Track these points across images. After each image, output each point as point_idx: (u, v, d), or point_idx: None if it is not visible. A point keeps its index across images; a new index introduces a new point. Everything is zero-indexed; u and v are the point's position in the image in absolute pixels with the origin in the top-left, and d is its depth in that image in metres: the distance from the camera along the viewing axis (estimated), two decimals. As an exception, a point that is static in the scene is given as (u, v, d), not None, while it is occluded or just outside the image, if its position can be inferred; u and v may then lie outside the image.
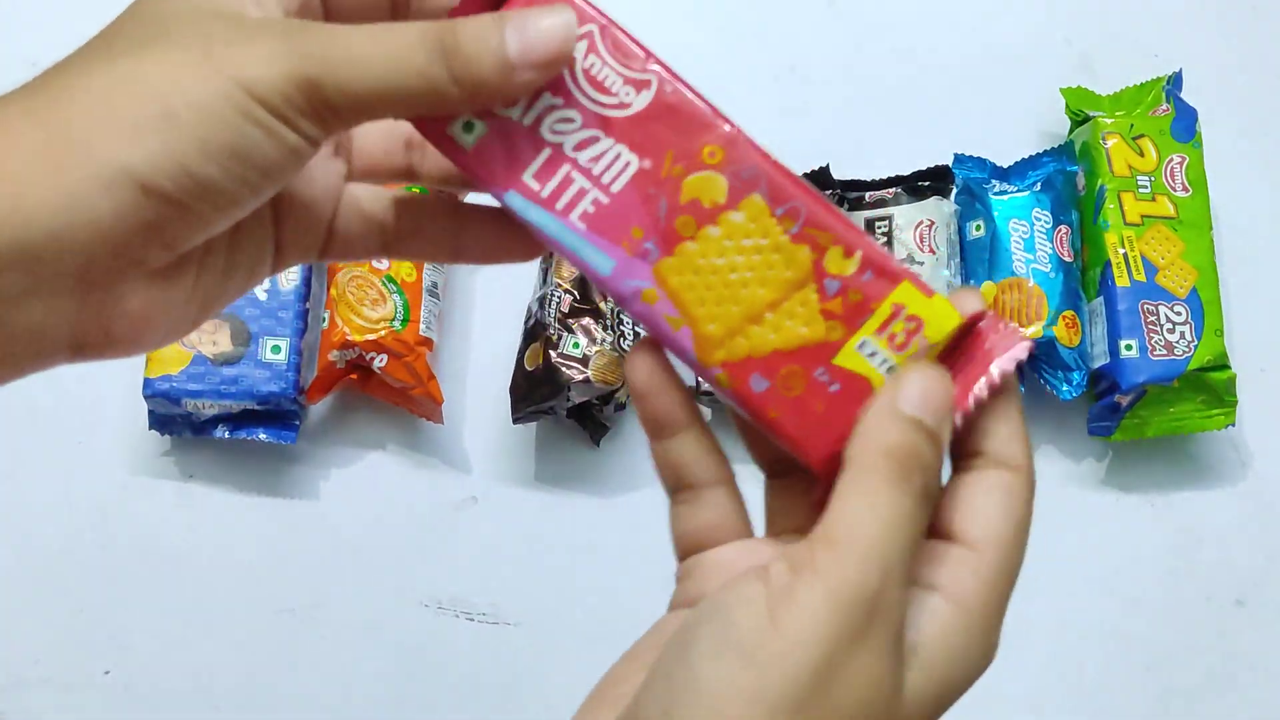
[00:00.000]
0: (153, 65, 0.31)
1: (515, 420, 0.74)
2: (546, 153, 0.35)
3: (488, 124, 0.35)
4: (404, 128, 0.39)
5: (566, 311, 0.74)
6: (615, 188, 0.35)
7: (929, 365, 0.34)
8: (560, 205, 0.35)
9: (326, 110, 0.32)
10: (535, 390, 0.73)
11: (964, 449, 0.36)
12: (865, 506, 0.31)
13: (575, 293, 0.74)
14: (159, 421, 0.74)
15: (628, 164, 0.35)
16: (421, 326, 0.74)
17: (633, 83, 0.36)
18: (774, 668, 0.30)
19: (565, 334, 0.73)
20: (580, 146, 0.35)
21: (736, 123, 0.36)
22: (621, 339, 0.73)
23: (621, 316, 0.74)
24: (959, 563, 0.34)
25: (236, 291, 0.37)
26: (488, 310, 0.81)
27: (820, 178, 0.78)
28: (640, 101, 0.36)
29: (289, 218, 0.38)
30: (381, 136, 0.40)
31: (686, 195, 0.35)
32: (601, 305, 0.74)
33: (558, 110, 0.35)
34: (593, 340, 0.73)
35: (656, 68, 0.36)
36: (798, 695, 0.30)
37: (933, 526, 0.34)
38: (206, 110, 0.30)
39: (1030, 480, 0.35)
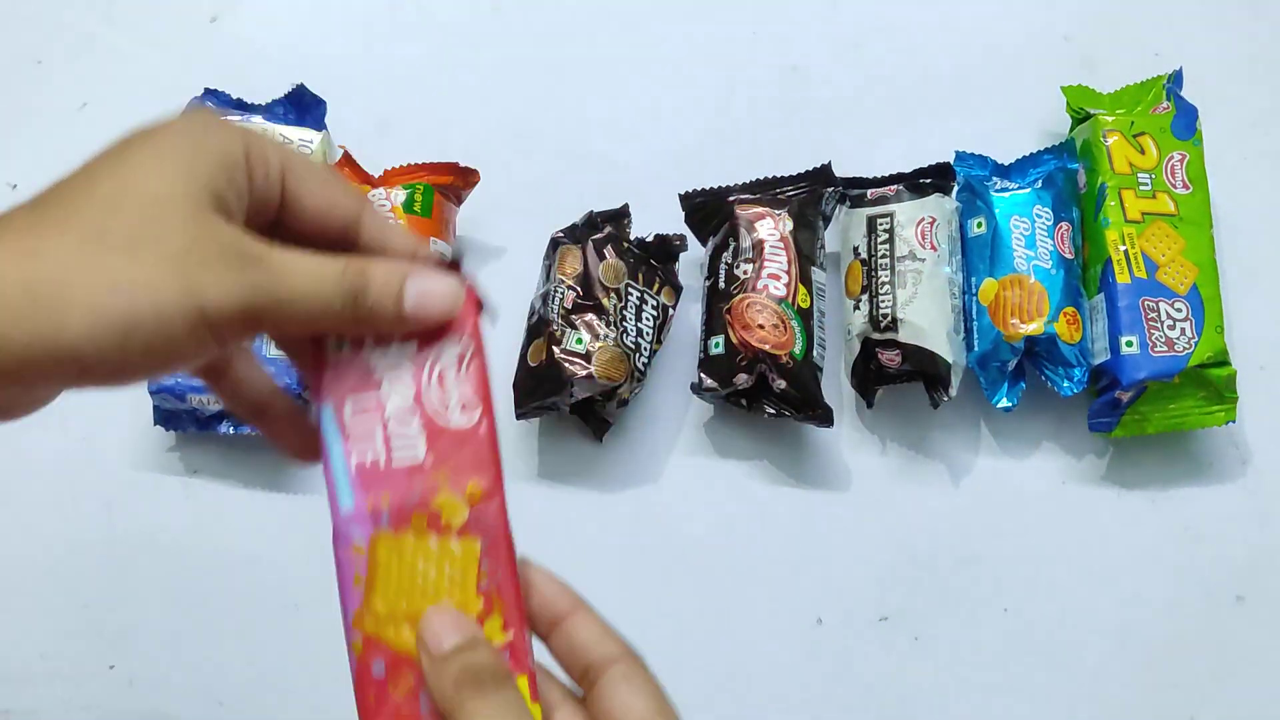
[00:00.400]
0: (139, 270, 0.38)
1: (518, 416, 0.75)
2: (373, 401, 0.42)
3: (354, 351, 0.43)
4: None
5: (570, 308, 0.74)
6: (395, 462, 0.42)
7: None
8: (351, 442, 0.42)
9: (257, 329, 0.40)
10: (538, 386, 0.73)
11: (576, 673, 0.45)
12: None
13: (579, 289, 0.74)
14: (164, 417, 0.74)
15: (416, 452, 0.42)
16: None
17: (464, 404, 0.42)
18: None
19: (568, 330, 0.73)
20: (397, 416, 0.42)
21: (505, 487, 0.43)
22: (624, 335, 0.74)
23: (625, 313, 0.74)
24: None
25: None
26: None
27: (823, 175, 0.78)
28: (457, 420, 0.42)
29: None
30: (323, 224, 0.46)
31: (436, 503, 0.42)
32: (605, 301, 0.74)
33: (400, 372, 0.42)
34: (596, 336, 0.73)
35: (483, 415, 0.42)
36: None
37: None
38: (162, 320, 0.38)
39: (637, 658, 0.45)
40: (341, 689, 0.73)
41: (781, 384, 0.72)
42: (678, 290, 0.78)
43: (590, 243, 0.76)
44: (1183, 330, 0.75)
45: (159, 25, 0.85)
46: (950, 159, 0.79)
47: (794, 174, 0.76)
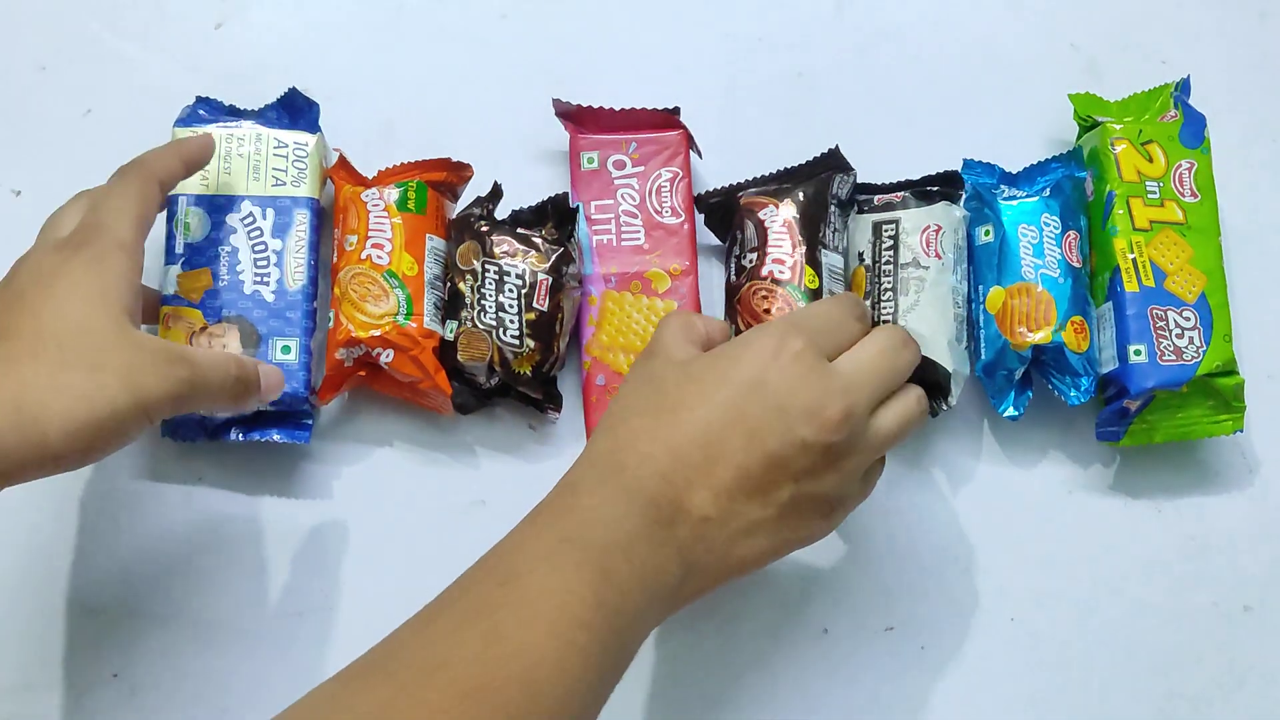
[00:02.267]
0: (98, 387, 0.56)
1: (463, 412, 0.78)
2: (610, 202, 0.77)
3: (600, 167, 0.79)
4: None
5: (447, 301, 0.77)
6: (623, 243, 0.76)
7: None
8: (594, 227, 0.76)
9: (179, 409, 0.61)
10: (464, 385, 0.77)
11: None
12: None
13: (444, 282, 0.77)
14: (172, 429, 0.74)
15: (639, 239, 0.75)
16: (426, 319, 0.74)
17: (673, 210, 0.77)
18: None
19: (444, 323, 0.76)
20: (627, 213, 0.71)
21: (698, 270, 0.76)
22: (483, 314, 0.74)
23: (482, 291, 0.74)
24: None
25: None
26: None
27: (831, 160, 0.77)
28: (668, 220, 0.76)
29: None
30: None
31: (648, 274, 0.74)
32: (460, 285, 0.75)
33: (631, 185, 0.74)
34: (460, 322, 0.75)
35: (687, 219, 0.78)
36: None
37: None
38: (119, 419, 0.56)
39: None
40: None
41: None
42: (559, 249, 0.75)
43: (452, 233, 0.77)
44: (1191, 339, 0.75)
45: (164, 31, 0.85)
46: (958, 166, 0.79)
47: (804, 162, 0.76)
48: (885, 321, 0.74)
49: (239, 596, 0.75)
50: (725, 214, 0.77)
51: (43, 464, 0.53)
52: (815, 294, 0.72)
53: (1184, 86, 0.81)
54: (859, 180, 0.79)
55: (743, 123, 0.85)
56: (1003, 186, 0.80)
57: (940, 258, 0.75)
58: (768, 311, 0.72)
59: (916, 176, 0.78)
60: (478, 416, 0.78)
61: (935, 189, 0.77)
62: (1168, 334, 0.75)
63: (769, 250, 0.74)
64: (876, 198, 0.78)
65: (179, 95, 0.79)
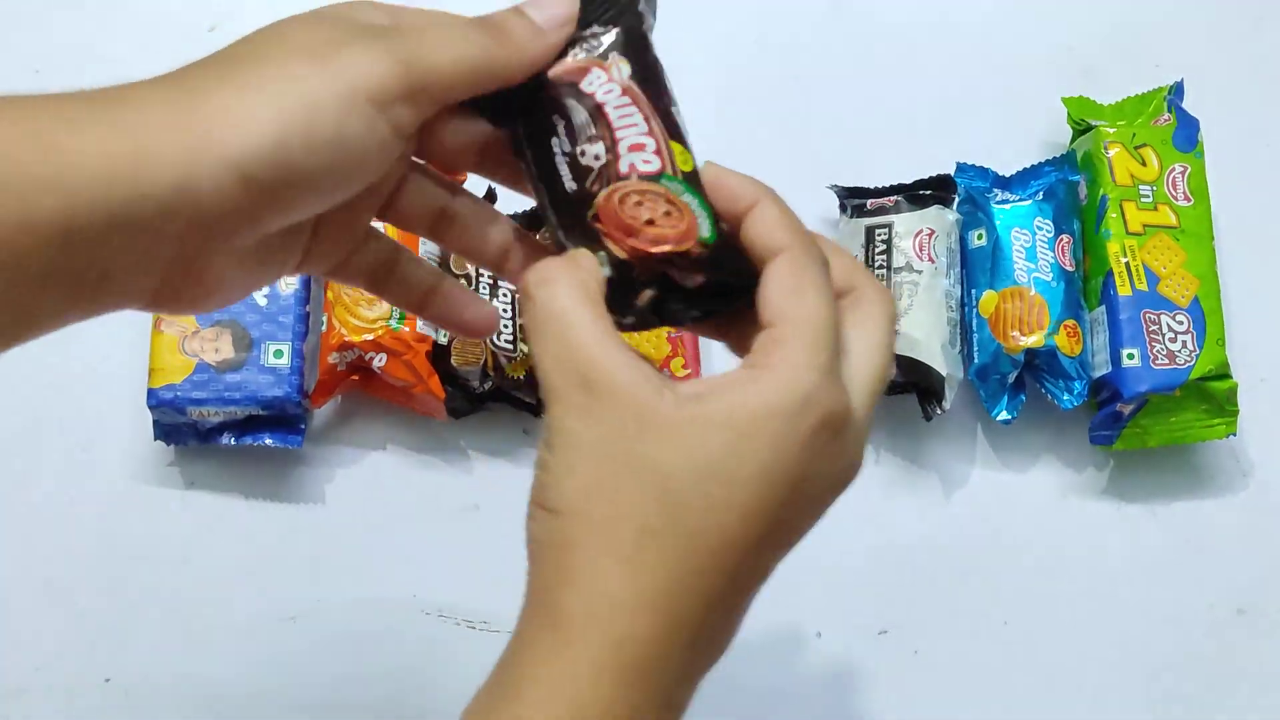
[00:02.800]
0: (273, 69, 0.37)
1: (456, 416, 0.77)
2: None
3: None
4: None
5: None
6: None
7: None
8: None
9: (420, 91, 0.39)
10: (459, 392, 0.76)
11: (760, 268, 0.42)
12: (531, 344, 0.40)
13: None
14: (164, 432, 0.74)
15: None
16: (419, 323, 0.74)
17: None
18: (551, 466, 0.40)
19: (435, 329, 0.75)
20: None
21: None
22: None
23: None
24: (762, 341, 0.40)
25: (271, 277, 0.43)
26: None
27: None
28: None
29: (326, 223, 0.44)
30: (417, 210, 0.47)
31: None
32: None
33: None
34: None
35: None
36: (568, 463, 0.39)
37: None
38: (316, 107, 0.36)
39: (804, 249, 0.41)
40: (338, 702, 0.73)
41: (698, 279, 0.46)
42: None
43: None
44: (1184, 343, 0.75)
45: (158, 35, 0.85)
46: (951, 170, 0.79)
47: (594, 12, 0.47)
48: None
49: (231, 600, 0.75)
50: (503, 102, 0.45)
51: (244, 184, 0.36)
52: (693, 179, 0.46)
53: (1178, 90, 0.81)
54: (853, 185, 0.79)
55: (738, 125, 0.85)
56: (996, 190, 0.80)
57: (933, 261, 0.75)
58: (650, 222, 0.45)
59: (910, 180, 0.78)
60: (471, 420, 0.78)
61: (928, 193, 0.77)
62: (1161, 338, 0.75)
63: (619, 134, 0.46)
64: (869, 202, 0.78)
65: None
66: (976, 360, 0.76)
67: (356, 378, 0.75)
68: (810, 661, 0.76)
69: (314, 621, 0.75)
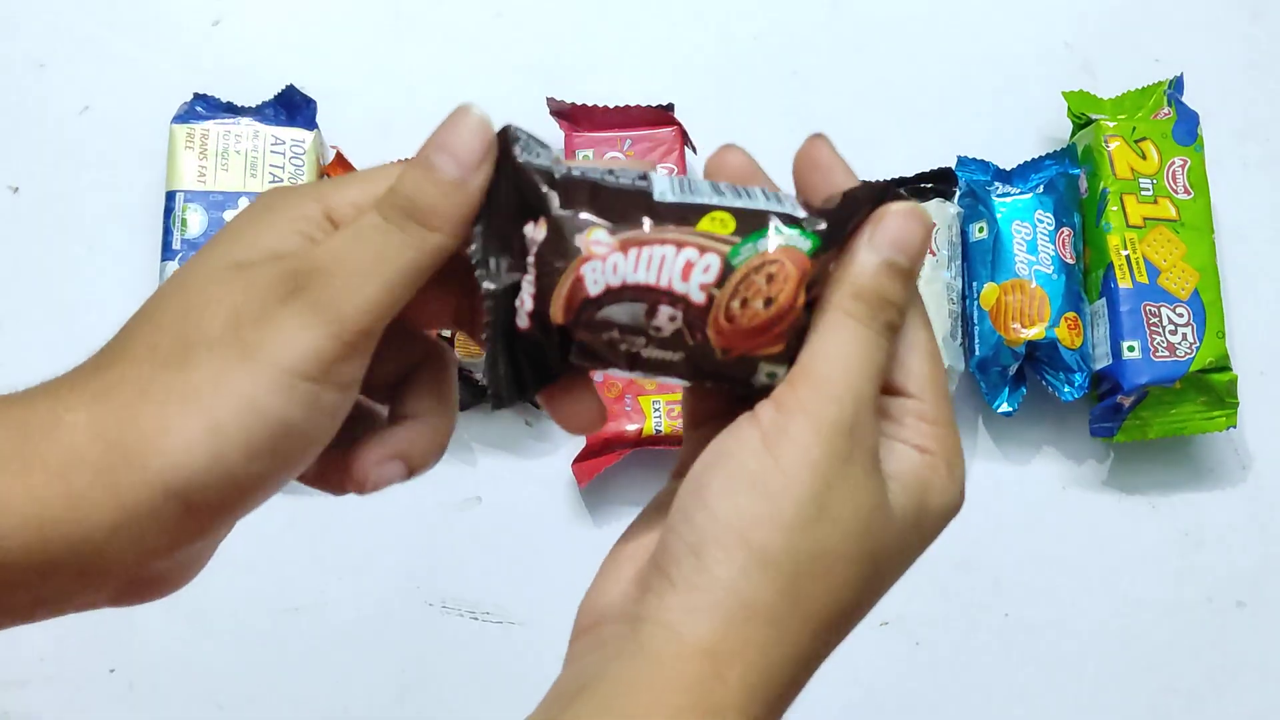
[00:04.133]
0: (198, 372, 0.33)
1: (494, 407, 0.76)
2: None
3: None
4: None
5: None
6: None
7: (905, 204, 0.36)
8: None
9: (357, 344, 0.34)
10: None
11: None
12: (838, 344, 0.35)
13: None
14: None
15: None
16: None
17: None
18: (782, 495, 0.33)
19: None
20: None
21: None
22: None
23: None
24: (907, 412, 0.37)
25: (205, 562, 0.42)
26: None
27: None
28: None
29: None
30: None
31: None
32: None
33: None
34: None
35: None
36: (806, 515, 0.33)
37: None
38: (250, 411, 0.33)
39: (920, 301, 0.38)
40: (341, 693, 0.74)
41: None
42: None
43: None
44: (1184, 335, 0.75)
45: (161, 28, 0.85)
46: (952, 164, 0.80)
47: None
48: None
49: (234, 592, 0.75)
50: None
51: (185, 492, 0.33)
52: (748, 220, 0.36)
53: (1177, 84, 0.81)
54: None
55: (738, 119, 0.85)
56: (997, 183, 0.80)
57: (934, 254, 0.75)
58: (770, 302, 0.36)
59: (910, 173, 0.78)
60: (474, 413, 0.78)
61: (929, 186, 0.78)
62: (1161, 330, 0.75)
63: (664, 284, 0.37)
64: (871, 195, 0.78)
65: (176, 92, 0.79)
66: (977, 352, 0.76)
67: (360, 370, 0.76)
68: (811, 653, 0.76)
69: (318, 613, 0.75)
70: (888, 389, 0.37)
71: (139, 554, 0.34)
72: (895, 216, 0.36)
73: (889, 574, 0.37)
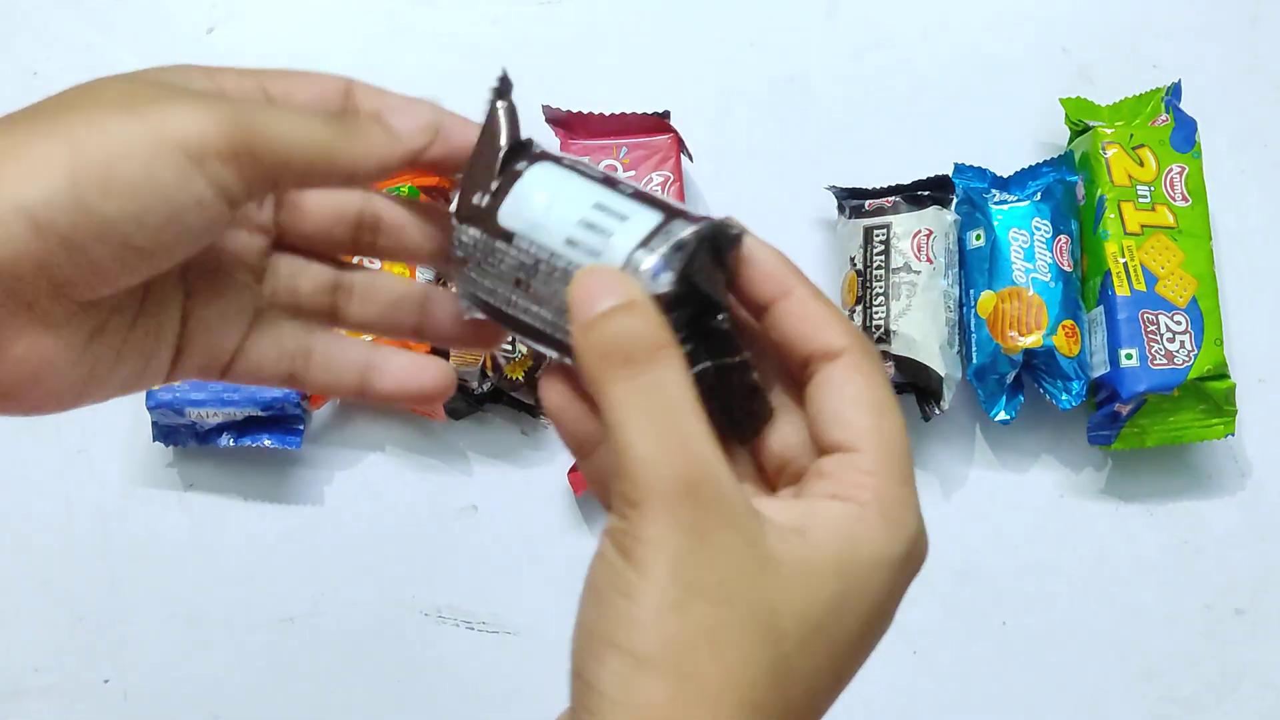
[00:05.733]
0: (77, 115, 0.33)
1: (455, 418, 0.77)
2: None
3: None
4: (352, 208, 0.41)
5: None
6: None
7: (577, 273, 0.34)
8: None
9: (245, 154, 0.33)
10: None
11: (795, 366, 0.37)
12: (623, 418, 0.32)
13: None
14: (163, 433, 0.74)
15: None
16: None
17: None
18: (639, 593, 0.31)
19: None
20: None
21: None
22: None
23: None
24: (842, 470, 0.35)
25: (124, 382, 0.38)
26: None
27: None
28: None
29: (197, 312, 0.39)
30: (329, 215, 0.41)
31: None
32: None
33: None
34: None
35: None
36: (670, 599, 0.31)
37: (815, 445, 0.36)
38: (116, 151, 0.32)
39: (864, 352, 0.36)
40: (337, 703, 0.73)
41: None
42: None
43: None
44: (1182, 343, 0.75)
45: (156, 37, 0.85)
46: (949, 171, 0.79)
47: None
48: (878, 326, 0.74)
49: (230, 602, 0.75)
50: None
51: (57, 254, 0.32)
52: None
53: (1175, 91, 0.81)
54: (851, 186, 0.79)
55: (734, 127, 0.85)
56: (994, 191, 0.80)
57: (931, 262, 0.75)
58: None
59: (907, 181, 0.78)
60: (470, 422, 0.78)
61: (926, 193, 0.77)
62: (1159, 338, 0.75)
63: None
64: (868, 202, 0.78)
65: (171, 100, 0.79)
66: (975, 360, 0.76)
67: (355, 379, 0.75)
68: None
69: (313, 622, 0.75)
70: (823, 447, 0.35)
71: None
72: (575, 286, 0.34)
73: (815, 639, 0.33)
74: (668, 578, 0.31)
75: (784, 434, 0.38)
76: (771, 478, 0.38)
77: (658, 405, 0.32)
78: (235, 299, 0.40)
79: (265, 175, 0.34)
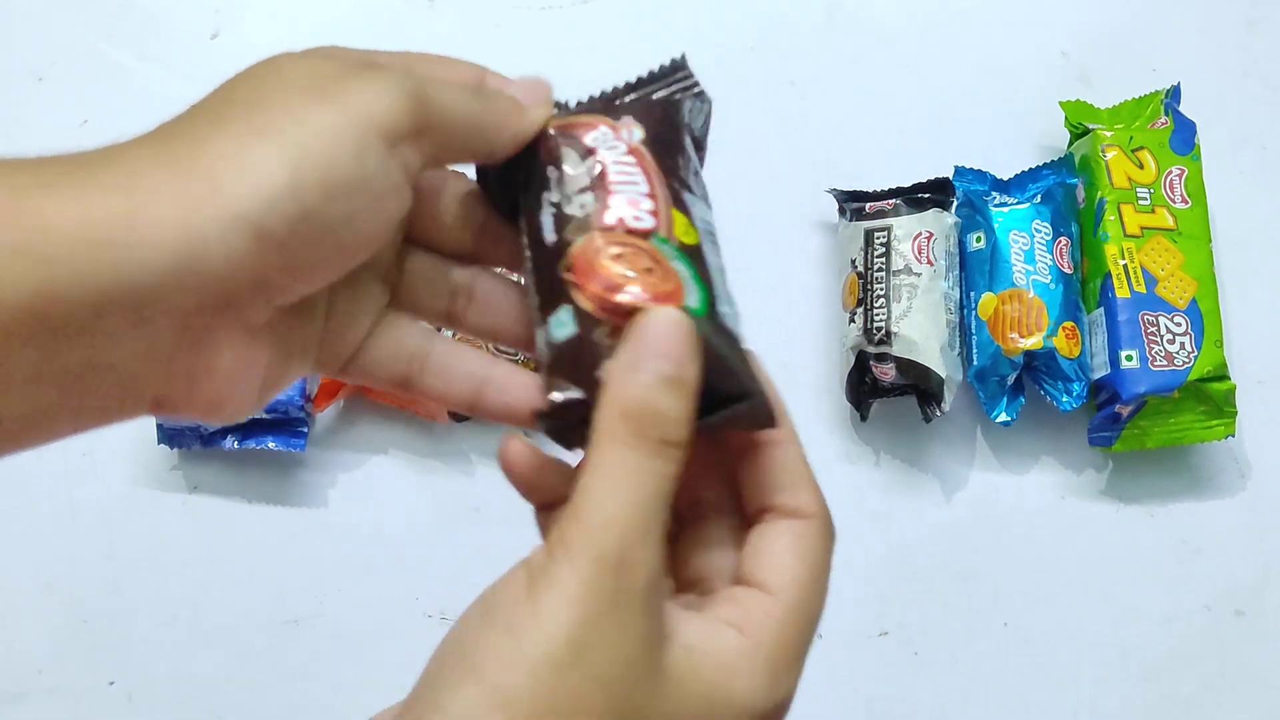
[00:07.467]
0: (277, 109, 0.31)
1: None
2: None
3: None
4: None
5: None
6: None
7: (665, 311, 0.34)
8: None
9: (426, 132, 0.33)
10: None
11: (753, 504, 0.37)
12: (602, 473, 0.32)
13: None
14: (167, 435, 0.74)
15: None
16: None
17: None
18: (529, 634, 0.31)
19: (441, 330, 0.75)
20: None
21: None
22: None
23: None
24: (754, 604, 0.35)
25: (287, 381, 0.37)
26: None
27: (675, 72, 0.65)
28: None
29: (338, 305, 0.38)
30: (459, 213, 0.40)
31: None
32: None
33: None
34: (454, 330, 0.74)
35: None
36: (557, 656, 0.30)
37: (737, 576, 0.36)
38: (331, 148, 0.31)
39: (825, 526, 0.36)
40: (340, 705, 0.74)
41: None
42: None
43: None
44: (1182, 345, 0.75)
45: (160, 42, 0.85)
46: (949, 173, 0.80)
47: (642, 76, 0.46)
48: (879, 328, 0.74)
49: (234, 604, 0.75)
50: (509, 169, 0.40)
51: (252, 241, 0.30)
52: (693, 253, 0.39)
53: (1174, 93, 0.81)
54: (852, 188, 0.80)
55: (735, 130, 0.85)
56: (994, 193, 0.80)
57: (932, 264, 0.75)
58: (626, 275, 0.37)
59: (908, 184, 0.78)
60: (473, 424, 0.78)
61: (927, 196, 0.78)
62: (1159, 339, 0.75)
63: (614, 189, 0.40)
64: (869, 205, 0.79)
65: (175, 105, 0.79)
66: (975, 362, 0.76)
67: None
68: (810, 663, 0.76)
69: (317, 625, 0.75)
70: (745, 580, 0.35)
71: (198, 298, 0.30)
72: (656, 324, 0.34)
73: None
74: (563, 634, 0.31)
75: (714, 556, 0.38)
76: (681, 582, 0.39)
77: (643, 488, 0.32)
78: (367, 292, 0.38)
79: (436, 149, 0.34)
